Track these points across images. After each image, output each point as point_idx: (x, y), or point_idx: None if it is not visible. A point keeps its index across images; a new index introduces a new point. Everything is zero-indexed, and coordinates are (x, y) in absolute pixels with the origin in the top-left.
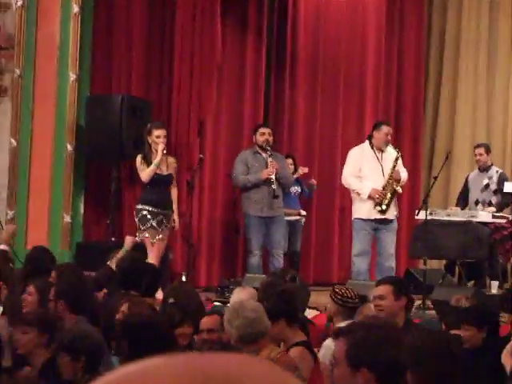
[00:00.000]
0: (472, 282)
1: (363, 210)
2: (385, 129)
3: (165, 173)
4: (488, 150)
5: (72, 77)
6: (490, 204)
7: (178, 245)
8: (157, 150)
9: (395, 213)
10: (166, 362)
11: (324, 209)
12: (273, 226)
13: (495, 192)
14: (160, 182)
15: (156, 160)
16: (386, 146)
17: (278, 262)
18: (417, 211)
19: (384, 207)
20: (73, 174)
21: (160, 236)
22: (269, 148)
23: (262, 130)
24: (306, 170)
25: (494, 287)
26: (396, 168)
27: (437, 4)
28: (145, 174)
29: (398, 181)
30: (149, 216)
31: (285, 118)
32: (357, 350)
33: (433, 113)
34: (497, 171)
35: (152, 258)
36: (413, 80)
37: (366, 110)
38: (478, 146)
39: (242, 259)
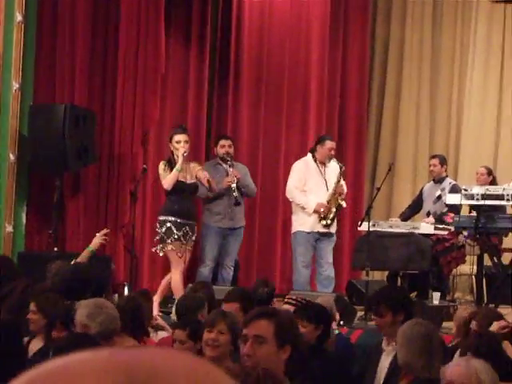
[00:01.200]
0: (414, 293)
1: (307, 223)
2: (329, 144)
3: (188, 181)
4: (443, 162)
5: (15, 86)
6: (434, 215)
7: (120, 255)
8: (178, 156)
9: (335, 228)
10: (89, 357)
11: (267, 220)
12: (231, 237)
13: (447, 204)
14: (183, 191)
15: (178, 165)
16: (330, 160)
17: (228, 272)
18: (359, 222)
19: (329, 221)
20: (15, 184)
21: (186, 248)
22: (229, 159)
23: (222, 142)
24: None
25: (436, 298)
26: (340, 182)
27: (380, 15)
28: (166, 180)
29: (341, 195)
30: (173, 228)
31: (228, 128)
32: (284, 329)
33: (376, 124)
34: (449, 183)
35: (177, 272)
36: (356, 91)
37: (309, 121)
38: (433, 156)
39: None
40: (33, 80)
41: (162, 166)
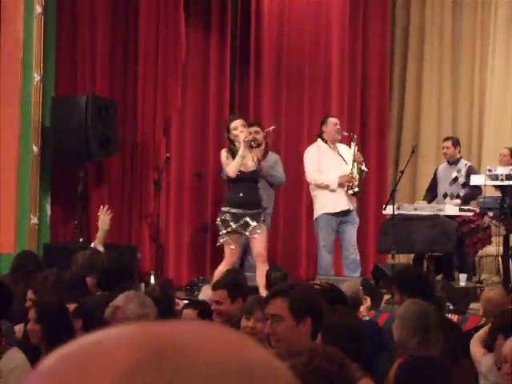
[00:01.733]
0: (441, 275)
1: (328, 204)
2: (332, 120)
3: (249, 169)
4: (456, 143)
5: (36, 78)
6: (458, 197)
7: (146, 245)
8: (240, 143)
9: (355, 204)
10: (121, 331)
11: (291, 205)
12: None
13: (463, 185)
14: (243, 180)
15: (240, 151)
16: (339, 135)
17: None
18: (384, 206)
19: (356, 189)
20: (39, 175)
21: (251, 236)
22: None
23: (248, 129)
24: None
25: (463, 280)
26: (355, 151)
27: (400, 0)
28: (230, 168)
29: (361, 162)
30: (229, 219)
31: (250, 114)
32: (299, 303)
33: (398, 107)
34: (465, 164)
35: (224, 264)
36: (378, 75)
37: (331, 106)
38: (446, 139)
39: (210, 257)
40: (54, 71)
41: (224, 153)
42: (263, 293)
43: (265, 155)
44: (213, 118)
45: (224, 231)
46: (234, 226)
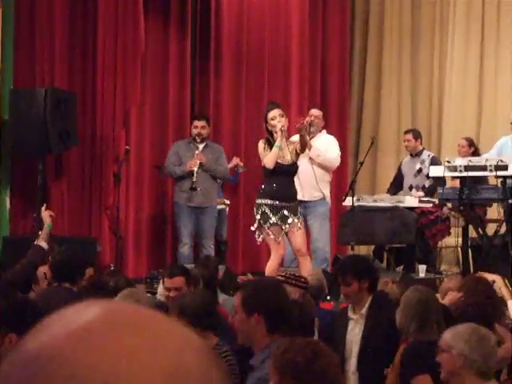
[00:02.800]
0: (401, 266)
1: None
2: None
3: (287, 162)
4: (417, 136)
5: None
6: (423, 188)
7: (106, 237)
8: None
9: (317, 194)
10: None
11: (251, 199)
12: (203, 216)
13: (428, 176)
14: (281, 173)
15: (277, 142)
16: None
17: (208, 252)
18: (343, 197)
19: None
20: None
21: (292, 229)
22: (199, 140)
23: (195, 122)
24: (238, 160)
25: (422, 271)
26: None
27: None
28: (267, 159)
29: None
30: (269, 212)
31: (210, 108)
32: (250, 298)
33: (358, 99)
34: (428, 155)
35: (274, 259)
36: (337, 68)
37: (291, 98)
38: (407, 131)
39: (171, 250)
40: (12, 64)
41: (261, 144)
42: None
43: (303, 149)
44: (172, 111)
45: (265, 226)
46: (273, 219)
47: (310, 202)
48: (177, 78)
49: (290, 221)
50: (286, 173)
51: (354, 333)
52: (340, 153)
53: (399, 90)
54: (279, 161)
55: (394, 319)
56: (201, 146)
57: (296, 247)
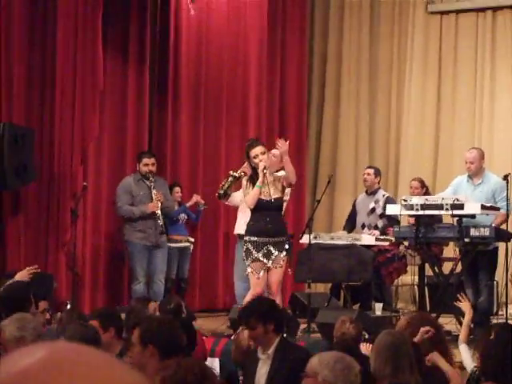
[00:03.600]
0: (357, 304)
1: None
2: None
3: (268, 198)
4: (377, 173)
5: None
6: (376, 228)
7: (62, 273)
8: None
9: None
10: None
11: (209, 234)
12: (156, 253)
13: (381, 216)
14: (265, 209)
15: (259, 181)
16: None
17: (159, 287)
18: (300, 235)
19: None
20: None
21: (274, 266)
22: (151, 178)
23: (145, 160)
24: (198, 197)
25: (379, 309)
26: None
27: (318, 28)
28: (248, 198)
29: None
30: (251, 248)
31: (168, 143)
32: (145, 332)
33: (316, 138)
34: (383, 195)
35: (251, 293)
36: (295, 104)
37: (249, 133)
38: (369, 167)
39: (127, 286)
40: None
41: (244, 182)
42: None
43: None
44: (130, 147)
45: (248, 261)
46: (256, 255)
47: None
48: (135, 114)
49: (273, 257)
50: (270, 208)
51: (262, 372)
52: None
53: (357, 130)
54: (263, 197)
55: (300, 360)
56: (153, 184)
57: (268, 283)
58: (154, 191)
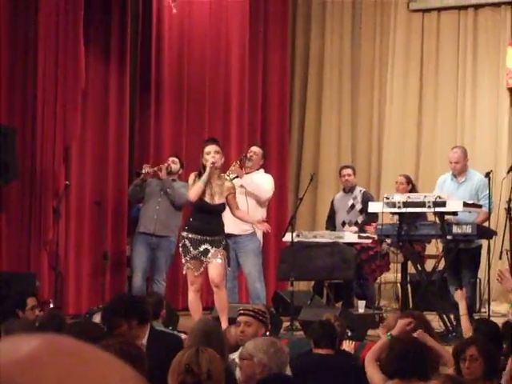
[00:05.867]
0: (340, 302)
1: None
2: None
3: (214, 202)
4: (355, 171)
5: None
6: (356, 224)
7: (45, 272)
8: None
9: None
10: None
11: None
12: (158, 252)
13: (361, 212)
14: (206, 211)
15: (204, 176)
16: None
17: (158, 287)
18: (283, 233)
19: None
20: None
21: (209, 260)
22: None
23: (168, 158)
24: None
25: (362, 307)
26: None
27: (300, 26)
28: (191, 191)
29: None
30: (189, 245)
31: (151, 143)
32: None
33: (298, 136)
34: (360, 190)
35: (189, 292)
36: (278, 103)
37: (231, 133)
38: (346, 167)
39: (110, 285)
40: None
41: (191, 176)
42: (222, 319)
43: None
44: (112, 146)
45: (185, 258)
46: (193, 253)
47: (240, 236)
48: (117, 113)
49: (209, 254)
50: (211, 212)
51: None
52: (273, 191)
53: (339, 128)
54: (207, 200)
55: (173, 347)
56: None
57: (210, 278)
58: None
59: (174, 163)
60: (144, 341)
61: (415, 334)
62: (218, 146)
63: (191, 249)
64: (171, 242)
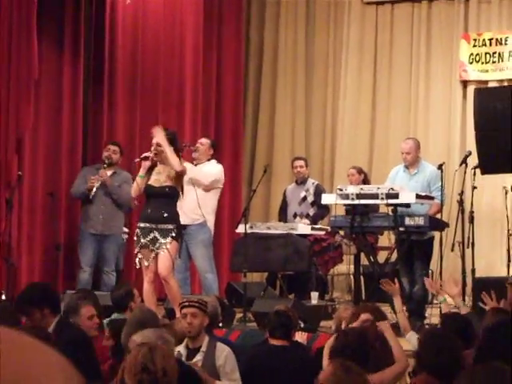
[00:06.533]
0: (293, 293)
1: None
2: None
3: (159, 184)
4: (307, 163)
5: None
6: (307, 216)
7: None
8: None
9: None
10: None
11: None
12: (105, 243)
13: (312, 204)
14: (153, 195)
15: (141, 171)
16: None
17: (109, 278)
18: (236, 225)
19: None
20: None
21: (157, 250)
22: (107, 162)
23: (108, 145)
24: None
25: (315, 298)
26: None
27: (254, 19)
28: (132, 189)
29: None
30: (140, 234)
31: (104, 133)
32: None
33: (252, 128)
34: (313, 183)
35: (144, 282)
36: (232, 95)
37: (185, 125)
38: (298, 158)
39: (63, 277)
40: None
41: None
42: (176, 310)
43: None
44: (65, 137)
45: (137, 249)
46: (143, 241)
47: (191, 226)
48: (70, 104)
49: (157, 244)
50: (158, 195)
51: None
52: (218, 178)
53: (293, 119)
54: (152, 183)
55: (75, 341)
56: (109, 172)
57: (158, 270)
58: (100, 171)
59: (114, 153)
60: (50, 329)
61: (378, 324)
62: (163, 137)
63: (141, 238)
64: (117, 235)
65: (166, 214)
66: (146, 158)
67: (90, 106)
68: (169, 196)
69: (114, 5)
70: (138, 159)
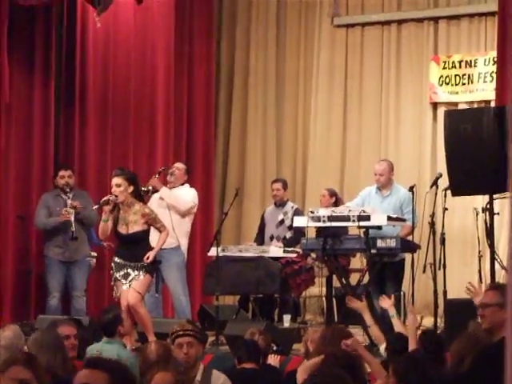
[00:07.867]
0: (265, 316)
1: None
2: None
3: (128, 232)
4: (285, 186)
5: None
6: (284, 239)
7: None
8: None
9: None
10: None
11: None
12: (74, 268)
13: (290, 228)
14: (122, 240)
15: (104, 216)
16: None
17: (79, 303)
18: (208, 248)
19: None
20: None
21: (127, 287)
22: (68, 190)
23: (61, 172)
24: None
25: (287, 321)
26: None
27: (224, 43)
28: (99, 231)
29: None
30: (114, 268)
31: (75, 156)
32: None
33: (223, 150)
34: (292, 207)
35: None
36: (203, 117)
37: (157, 147)
38: (276, 181)
39: (34, 302)
40: None
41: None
42: (148, 336)
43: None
44: (37, 160)
45: (112, 281)
46: (116, 275)
47: (165, 249)
48: (41, 127)
49: (130, 277)
50: (127, 241)
51: None
52: (195, 203)
53: (264, 141)
54: (120, 230)
55: None
56: (70, 196)
57: (128, 299)
58: (69, 201)
59: (70, 178)
60: None
61: (348, 341)
62: (122, 178)
63: (115, 272)
64: (85, 257)
65: (139, 253)
66: (107, 203)
67: (61, 128)
68: (139, 241)
69: (85, 27)
70: (97, 205)
